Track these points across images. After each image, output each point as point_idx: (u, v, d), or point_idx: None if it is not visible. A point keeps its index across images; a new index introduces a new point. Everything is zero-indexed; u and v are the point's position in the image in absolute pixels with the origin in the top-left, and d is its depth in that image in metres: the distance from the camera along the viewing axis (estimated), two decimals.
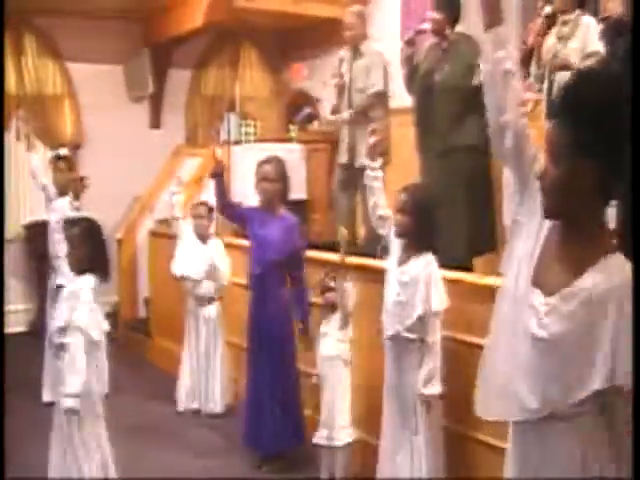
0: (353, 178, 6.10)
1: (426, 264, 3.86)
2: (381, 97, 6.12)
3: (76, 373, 3.77)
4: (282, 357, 4.76)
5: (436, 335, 3.86)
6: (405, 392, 3.95)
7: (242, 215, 4.98)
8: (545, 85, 4.84)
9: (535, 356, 1.95)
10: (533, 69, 4.96)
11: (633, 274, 1.78)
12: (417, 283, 3.84)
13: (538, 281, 1.99)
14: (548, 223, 2.02)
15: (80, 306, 3.82)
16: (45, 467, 4.08)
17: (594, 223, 1.91)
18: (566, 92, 1.94)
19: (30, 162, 6.33)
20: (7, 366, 6.63)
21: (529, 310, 1.98)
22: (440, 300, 3.86)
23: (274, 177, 4.78)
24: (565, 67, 4.70)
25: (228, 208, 5.01)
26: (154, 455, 5.02)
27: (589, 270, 1.88)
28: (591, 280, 1.87)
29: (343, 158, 6.21)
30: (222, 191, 4.89)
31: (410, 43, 5.34)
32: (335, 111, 6.47)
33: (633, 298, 1.76)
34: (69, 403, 3.75)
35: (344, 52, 6.25)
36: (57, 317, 3.94)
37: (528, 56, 5.24)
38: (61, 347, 3.87)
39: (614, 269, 1.86)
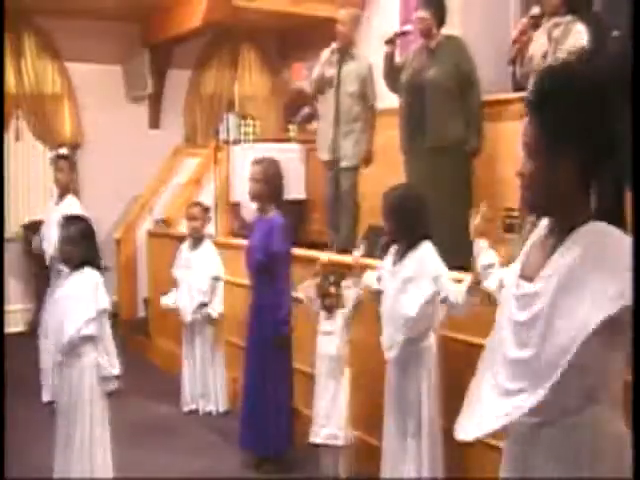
0: (336, 175, 6.19)
1: (419, 261, 3.88)
2: (372, 107, 6.17)
3: (114, 353, 4.07)
4: (277, 359, 4.75)
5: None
6: (406, 394, 3.95)
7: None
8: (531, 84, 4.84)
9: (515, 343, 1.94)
10: (517, 68, 4.96)
11: (633, 271, 1.77)
12: (407, 283, 3.87)
13: (523, 274, 2.00)
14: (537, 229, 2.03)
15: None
16: (44, 467, 4.09)
17: (579, 217, 1.90)
18: (535, 87, 1.95)
19: None
20: (5, 366, 6.62)
21: (510, 300, 1.99)
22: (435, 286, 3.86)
23: (260, 177, 4.77)
24: None
25: None
26: (153, 455, 5.01)
27: (558, 248, 1.89)
28: (558, 255, 1.87)
29: (325, 155, 6.23)
30: None
31: (390, 42, 5.49)
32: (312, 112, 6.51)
33: (633, 295, 1.75)
34: (115, 385, 4.08)
35: (335, 45, 6.17)
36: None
37: (517, 55, 5.30)
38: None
39: (580, 237, 1.85)
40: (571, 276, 1.82)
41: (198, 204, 6.13)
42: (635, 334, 1.75)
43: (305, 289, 4.59)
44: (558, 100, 1.85)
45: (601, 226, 1.86)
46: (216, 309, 5.86)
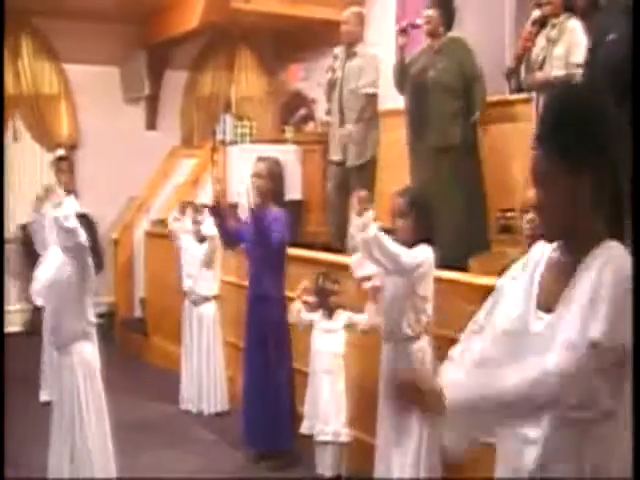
0: (345, 176, 6.17)
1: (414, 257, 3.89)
2: (373, 99, 6.17)
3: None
4: (277, 355, 4.78)
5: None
6: None
7: (242, 236, 4.99)
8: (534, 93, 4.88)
9: None
10: (522, 74, 4.99)
11: (633, 272, 1.77)
12: (407, 276, 3.89)
13: (540, 305, 1.96)
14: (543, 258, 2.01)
15: None
16: (42, 467, 4.11)
17: (593, 238, 1.88)
18: (545, 117, 1.94)
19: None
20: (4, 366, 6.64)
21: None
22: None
23: (264, 174, 4.83)
24: (547, 84, 4.71)
25: (232, 242, 5.16)
26: (149, 454, 5.03)
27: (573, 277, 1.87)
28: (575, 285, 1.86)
29: (336, 156, 6.25)
30: (224, 228, 5.01)
31: (403, 32, 5.47)
32: (328, 112, 6.51)
33: (633, 296, 1.76)
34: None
35: (338, 50, 6.26)
36: None
37: (519, 61, 5.34)
38: None
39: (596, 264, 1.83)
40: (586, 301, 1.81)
41: (205, 206, 6.12)
42: (635, 335, 1.76)
43: (302, 291, 4.61)
44: (570, 124, 1.84)
45: (613, 249, 1.84)
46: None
